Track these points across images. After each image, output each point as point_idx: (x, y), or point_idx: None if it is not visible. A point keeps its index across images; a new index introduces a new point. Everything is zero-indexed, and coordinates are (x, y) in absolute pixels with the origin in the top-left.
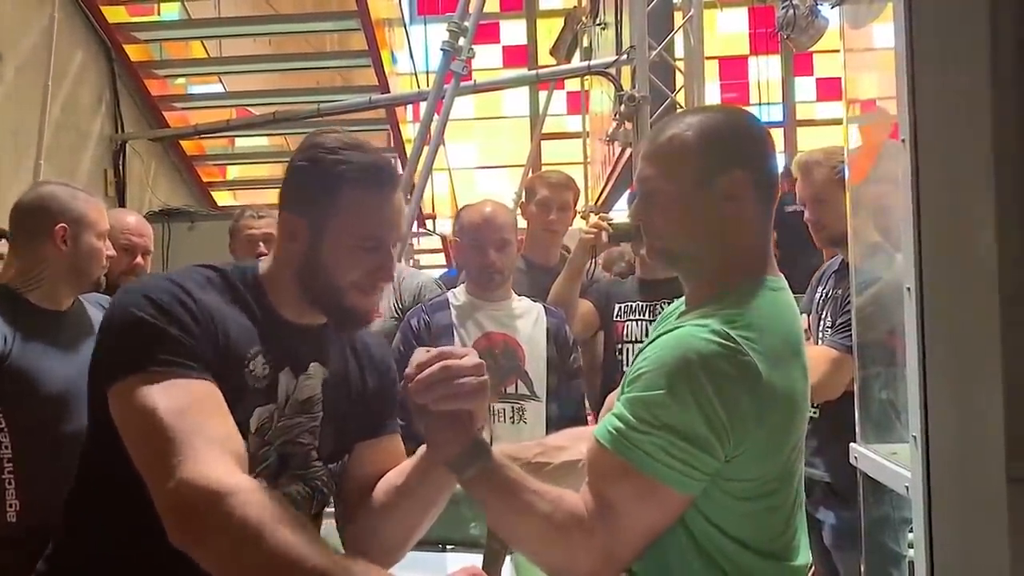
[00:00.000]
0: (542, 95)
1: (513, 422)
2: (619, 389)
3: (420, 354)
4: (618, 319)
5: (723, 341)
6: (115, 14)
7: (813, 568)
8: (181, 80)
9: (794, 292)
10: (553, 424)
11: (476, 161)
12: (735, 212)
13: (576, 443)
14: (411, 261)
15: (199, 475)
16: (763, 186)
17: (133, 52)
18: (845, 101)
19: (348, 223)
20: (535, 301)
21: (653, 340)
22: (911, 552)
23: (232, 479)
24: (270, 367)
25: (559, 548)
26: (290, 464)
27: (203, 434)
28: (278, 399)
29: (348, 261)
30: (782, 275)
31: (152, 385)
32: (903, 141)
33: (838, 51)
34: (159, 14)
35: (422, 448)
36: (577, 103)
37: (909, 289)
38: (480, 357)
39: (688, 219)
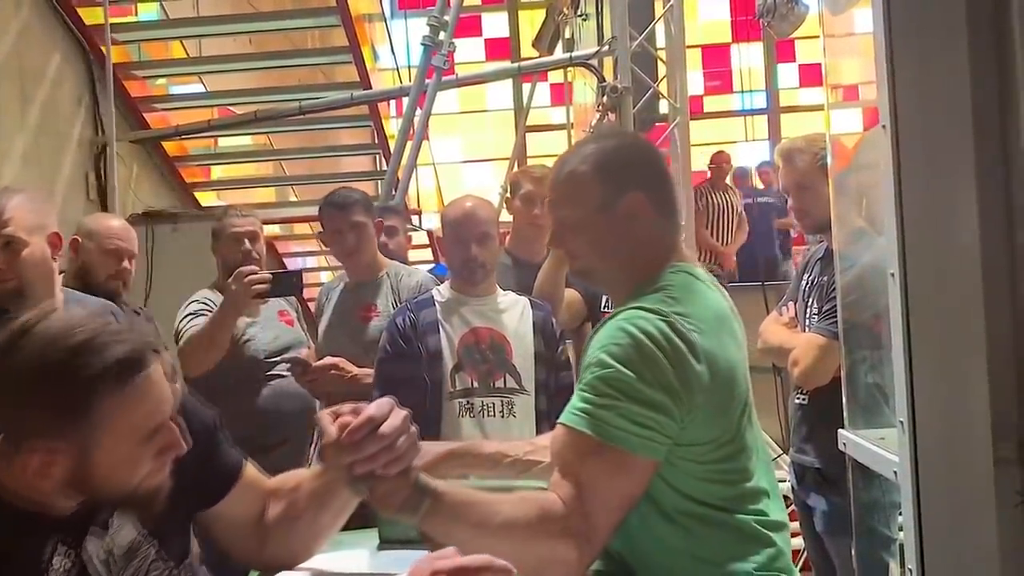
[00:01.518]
0: (526, 87)
1: (502, 416)
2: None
3: (329, 422)
4: (606, 309)
5: (660, 317)
6: (92, 15)
7: (805, 554)
8: (161, 81)
9: (762, 280)
10: (543, 417)
11: (461, 155)
12: (637, 229)
13: None
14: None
15: None
16: (661, 201)
17: (112, 53)
18: (826, 87)
19: (121, 433)
20: (520, 295)
21: (595, 334)
22: (902, 535)
23: None
24: (73, 550)
25: (539, 542)
26: None
27: None
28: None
29: (133, 464)
30: (692, 258)
31: None
32: (884, 127)
33: (819, 37)
34: (137, 15)
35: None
36: (561, 95)
37: (893, 275)
38: (466, 352)
39: (597, 241)
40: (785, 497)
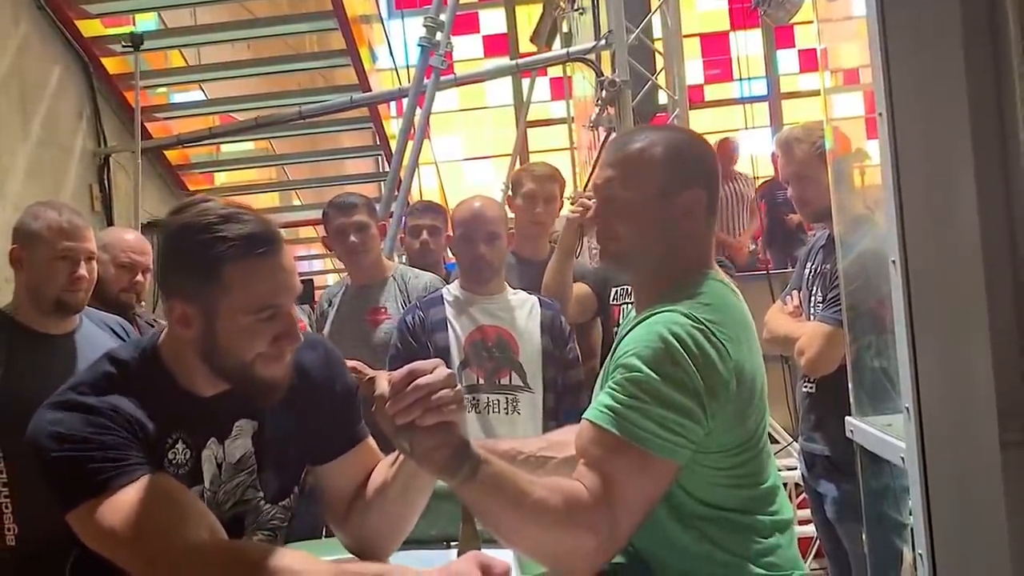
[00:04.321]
0: (525, 82)
1: (507, 413)
2: (599, 381)
3: (383, 379)
4: (615, 302)
5: (694, 324)
6: (90, 27)
7: (818, 541)
8: (162, 90)
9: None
10: (551, 415)
11: (462, 153)
12: (689, 225)
13: None
14: (403, 258)
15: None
16: (712, 204)
17: (111, 65)
18: (822, 73)
19: (239, 301)
20: (530, 294)
21: (625, 335)
22: (912, 520)
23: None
24: (191, 449)
25: (562, 530)
26: (246, 521)
27: (170, 531)
28: (204, 478)
29: (248, 337)
30: (718, 266)
31: (103, 506)
32: (880, 115)
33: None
34: (135, 25)
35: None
36: (561, 89)
37: (894, 262)
38: (473, 350)
39: (647, 228)
40: (796, 485)
